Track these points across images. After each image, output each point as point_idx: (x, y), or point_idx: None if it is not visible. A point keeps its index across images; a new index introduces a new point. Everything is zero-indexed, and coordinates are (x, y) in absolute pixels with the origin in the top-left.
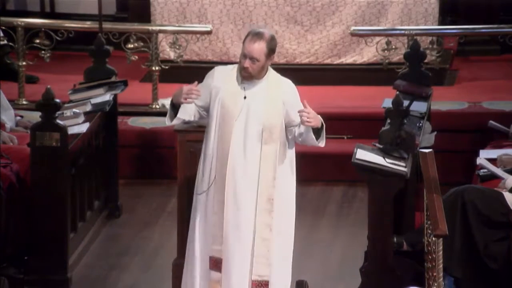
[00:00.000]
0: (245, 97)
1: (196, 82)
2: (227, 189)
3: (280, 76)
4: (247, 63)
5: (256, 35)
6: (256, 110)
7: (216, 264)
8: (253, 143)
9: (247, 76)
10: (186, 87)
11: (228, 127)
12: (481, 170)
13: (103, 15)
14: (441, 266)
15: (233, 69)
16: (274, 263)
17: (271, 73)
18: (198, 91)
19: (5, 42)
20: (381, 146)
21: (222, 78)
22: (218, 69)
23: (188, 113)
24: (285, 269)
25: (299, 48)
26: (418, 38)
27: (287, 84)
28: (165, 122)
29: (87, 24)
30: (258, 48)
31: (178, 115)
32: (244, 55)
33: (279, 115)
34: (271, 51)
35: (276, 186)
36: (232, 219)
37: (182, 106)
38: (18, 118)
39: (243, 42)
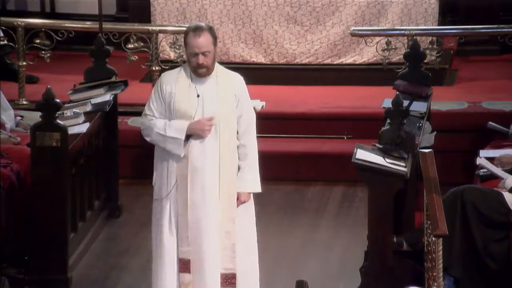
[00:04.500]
0: (198, 96)
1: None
2: (189, 189)
3: (228, 70)
4: (201, 59)
5: (197, 30)
6: (211, 106)
7: (185, 266)
8: (211, 140)
9: (204, 72)
10: (205, 121)
11: None
12: (481, 170)
13: (103, 15)
14: (441, 266)
15: (180, 72)
16: (239, 256)
17: (219, 68)
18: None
19: (5, 42)
20: (381, 146)
21: (171, 82)
22: (164, 76)
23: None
24: (251, 262)
25: (299, 48)
26: (418, 38)
27: (236, 78)
28: (181, 155)
29: (87, 24)
30: (205, 40)
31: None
32: (195, 53)
33: (233, 108)
34: (215, 38)
35: (235, 178)
36: (197, 218)
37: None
38: (18, 118)
39: (187, 42)
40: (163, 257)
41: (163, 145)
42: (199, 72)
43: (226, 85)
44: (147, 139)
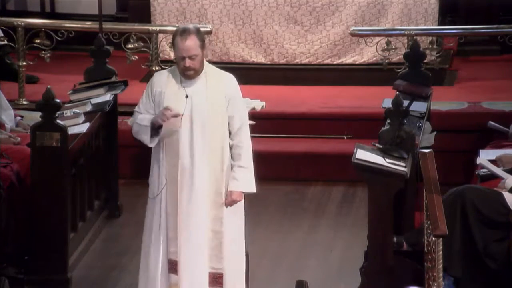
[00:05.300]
0: (186, 96)
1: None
2: (179, 189)
3: (219, 70)
4: (188, 63)
5: (184, 33)
6: (199, 106)
7: (173, 266)
8: (199, 140)
9: (192, 75)
10: (167, 110)
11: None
12: (481, 170)
13: (103, 15)
14: (441, 266)
15: (171, 72)
16: (226, 255)
17: (209, 68)
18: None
19: (5, 42)
20: (381, 146)
21: (161, 83)
22: (155, 76)
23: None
24: (238, 261)
25: (299, 48)
26: (418, 38)
27: (228, 78)
28: (148, 144)
29: (87, 24)
30: (192, 44)
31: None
32: (182, 57)
33: (223, 108)
34: (202, 41)
35: (224, 178)
36: (186, 219)
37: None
38: (18, 118)
39: (175, 45)
40: (150, 256)
41: (140, 137)
42: (186, 74)
43: (216, 85)
44: (133, 133)
